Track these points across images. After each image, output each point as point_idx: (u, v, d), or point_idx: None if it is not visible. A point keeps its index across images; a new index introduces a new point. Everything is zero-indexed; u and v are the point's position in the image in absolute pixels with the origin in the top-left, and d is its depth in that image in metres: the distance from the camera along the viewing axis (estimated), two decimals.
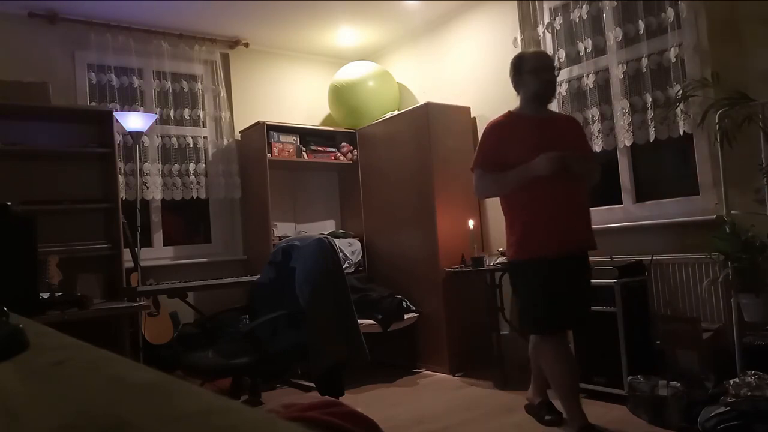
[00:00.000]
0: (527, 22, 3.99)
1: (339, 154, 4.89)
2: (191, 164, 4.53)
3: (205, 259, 4.52)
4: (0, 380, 0.53)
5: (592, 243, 2.74)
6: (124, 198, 4.03)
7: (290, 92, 5.16)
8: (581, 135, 2.89)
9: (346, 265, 4.48)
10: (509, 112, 2.80)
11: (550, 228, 2.60)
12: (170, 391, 0.43)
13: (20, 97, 3.59)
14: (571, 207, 2.63)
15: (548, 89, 2.73)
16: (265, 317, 2.83)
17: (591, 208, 3.72)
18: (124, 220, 3.88)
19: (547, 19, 3.89)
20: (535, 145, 2.58)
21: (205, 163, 4.61)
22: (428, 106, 4.21)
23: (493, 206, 4.30)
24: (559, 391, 2.67)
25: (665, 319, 3.08)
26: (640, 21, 3.32)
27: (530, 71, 2.70)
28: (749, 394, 2.38)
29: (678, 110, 3.15)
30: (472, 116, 4.43)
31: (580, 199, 2.68)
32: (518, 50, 3.99)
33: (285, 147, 4.61)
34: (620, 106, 3.44)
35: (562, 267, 2.60)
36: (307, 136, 4.80)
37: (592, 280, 3.25)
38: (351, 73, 4.88)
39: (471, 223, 4.14)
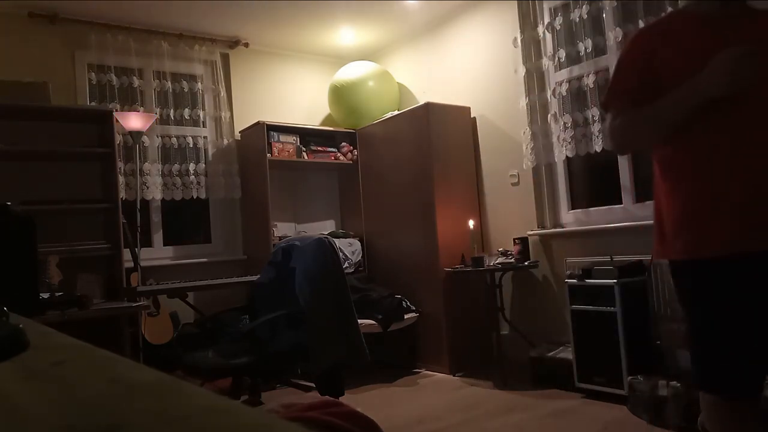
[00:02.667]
0: (527, 22, 3.99)
1: (339, 154, 4.89)
2: (191, 164, 4.53)
3: (205, 259, 4.52)
4: (0, 380, 0.53)
5: None
6: (124, 198, 4.03)
7: (290, 92, 5.16)
8: None
9: (346, 265, 4.48)
10: (672, 11, 1.72)
11: (736, 200, 1.45)
12: (170, 391, 0.43)
13: (20, 97, 3.59)
14: None
15: None
16: (265, 317, 2.83)
17: (591, 208, 3.81)
18: (124, 220, 3.88)
19: (547, 19, 3.89)
20: None
21: (205, 163, 4.61)
22: (428, 106, 4.21)
23: (493, 206, 4.30)
24: None
25: (665, 319, 3.08)
26: (640, 21, 3.32)
27: None
28: None
29: None
30: (472, 116, 4.43)
31: None
32: (518, 50, 4.00)
33: (285, 147, 4.61)
34: None
35: (758, 274, 1.46)
36: (307, 136, 4.80)
37: (593, 280, 3.27)
38: (351, 73, 4.88)
39: (471, 223, 4.14)
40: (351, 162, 4.90)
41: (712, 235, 1.47)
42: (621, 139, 1.64)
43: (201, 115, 4.64)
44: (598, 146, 3.56)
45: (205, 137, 4.65)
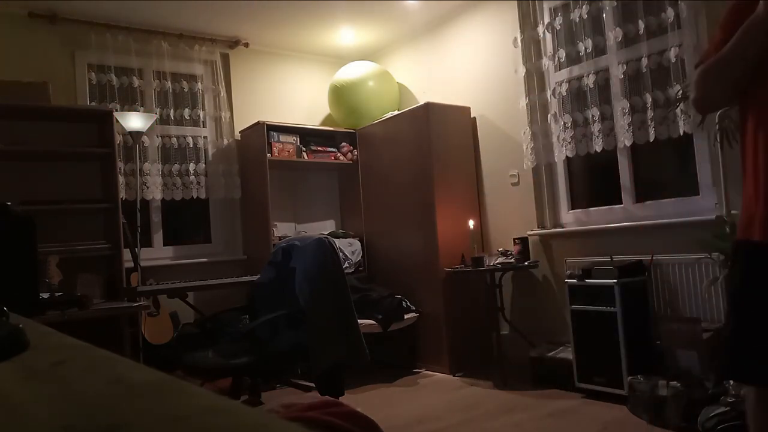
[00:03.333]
0: (527, 22, 3.99)
1: (339, 154, 4.89)
2: (191, 164, 4.53)
3: (205, 259, 4.52)
4: (0, 380, 0.53)
5: None
6: (124, 198, 4.03)
7: (290, 92, 5.16)
8: None
9: (346, 265, 4.48)
10: None
11: None
12: (170, 391, 0.43)
13: (20, 97, 3.59)
14: None
15: None
16: (265, 317, 2.83)
17: (591, 208, 3.81)
18: (124, 220, 3.88)
19: (547, 19, 3.89)
20: None
21: (205, 163, 4.61)
22: (428, 106, 4.21)
23: (493, 206, 4.30)
24: None
25: (665, 319, 3.08)
26: (640, 21, 3.32)
27: None
28: None
29: (678, 110, 3.15)
30: (472, 116, 4.43)
31: None
32: (518, 50, 4.00)
33: (285, 147, 4.61)
34: (620, 106, 3.44)
35: None
36: (307, 136, 4.80)
37: (593, 280, 3.27)
38: (351, 73, 4.88)
39: (471, 223, 4.14)
40: (351, 162, 4.90)
41: (758, 217, 1.43)
42: (700, 89, 1.58)
43: (201, 115, 4.64)
44: (598, 146, 3.56)
45: (205, 137, 4.65)
